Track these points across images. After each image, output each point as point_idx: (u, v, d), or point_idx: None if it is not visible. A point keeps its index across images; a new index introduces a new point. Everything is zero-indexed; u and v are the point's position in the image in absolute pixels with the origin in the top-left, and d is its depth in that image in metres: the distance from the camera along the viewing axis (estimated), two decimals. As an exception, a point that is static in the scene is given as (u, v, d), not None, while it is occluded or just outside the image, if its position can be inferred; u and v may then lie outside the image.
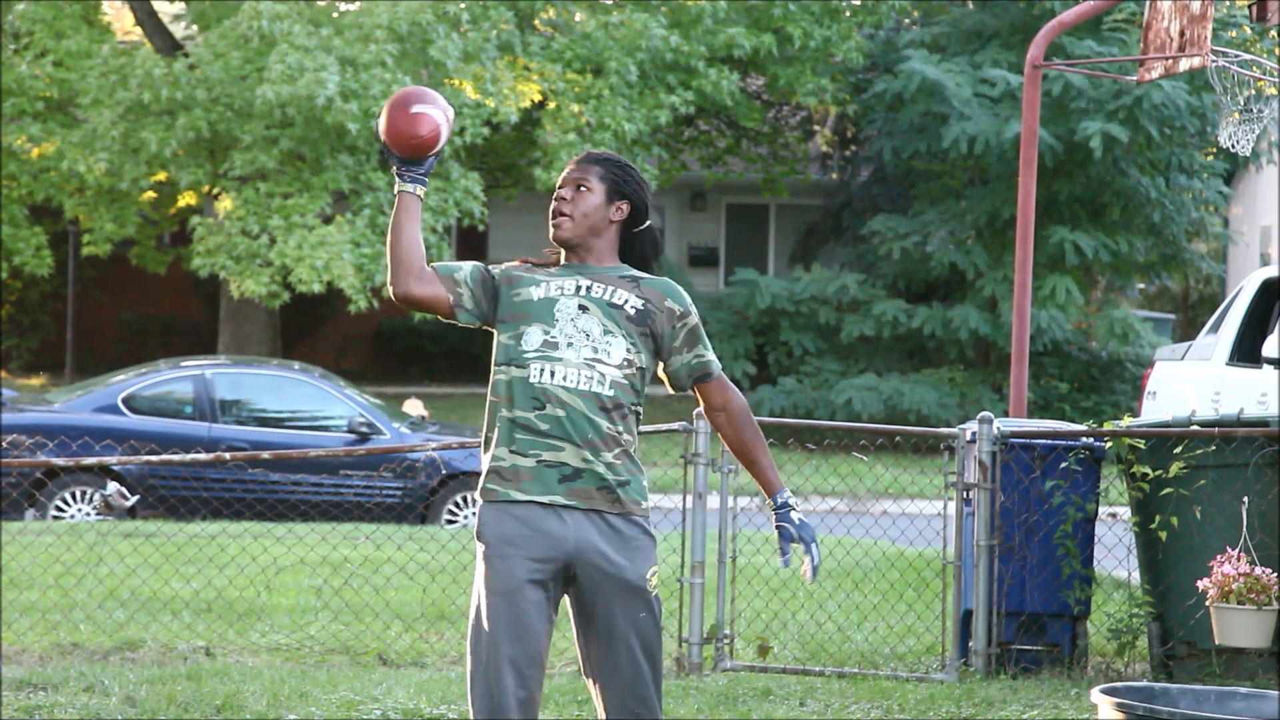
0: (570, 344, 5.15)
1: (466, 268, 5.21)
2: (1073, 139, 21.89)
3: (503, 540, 5.07)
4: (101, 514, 14.30)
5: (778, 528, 5.23)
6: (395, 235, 5.16)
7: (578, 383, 5.13)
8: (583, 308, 5.18)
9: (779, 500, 5.24)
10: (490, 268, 5.24)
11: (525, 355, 5.15)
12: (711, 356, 5.31)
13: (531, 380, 5.12)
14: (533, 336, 5.16)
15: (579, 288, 5.21)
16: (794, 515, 5.23)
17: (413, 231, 5.17)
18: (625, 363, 5.19)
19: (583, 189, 5.24)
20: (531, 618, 5.04)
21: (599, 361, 5.16)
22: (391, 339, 29.69)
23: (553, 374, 5.12)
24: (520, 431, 5.12)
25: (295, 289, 21.69)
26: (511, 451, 5.12)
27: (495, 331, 5.23)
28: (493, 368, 5.22)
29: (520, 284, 5.21)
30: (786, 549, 5.22)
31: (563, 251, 5.30)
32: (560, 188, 5.27)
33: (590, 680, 5.19)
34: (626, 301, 5.21)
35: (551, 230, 5.28)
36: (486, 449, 5.18)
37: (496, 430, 5.16)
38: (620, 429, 5.20)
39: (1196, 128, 22.28)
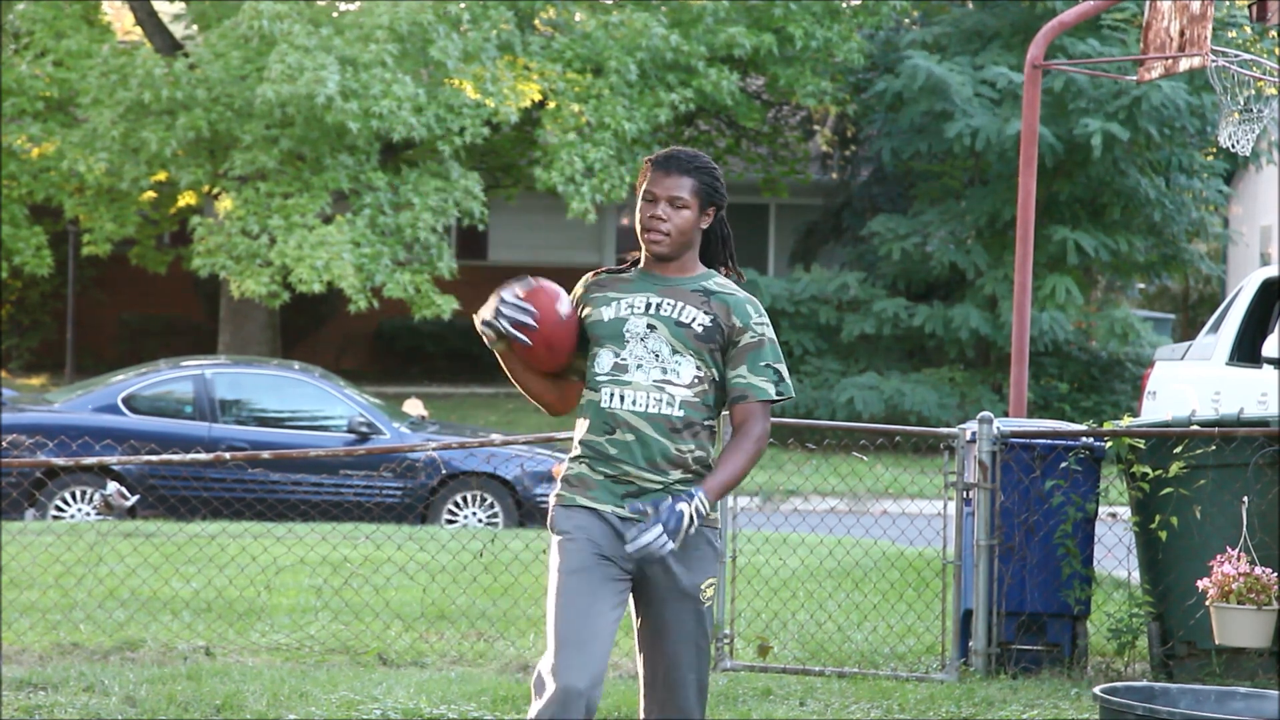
0: (640, 366, 5.19)
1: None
2: (1073, 138, 21.89)
3: (576, 527, 5.16)
4: (101, 514, 14.30)
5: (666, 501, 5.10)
6: (521, 386, 5.41)
7: (647, 406, 5.16)
8: (651, 326, 5.20)
9: (693, 490, 5.12)
10: (576, 301, 5.29)
11: (597, 379, 5.21)
12: (756, 381, 5.22)
13: (602, 405, 5.19)
14: (604, 359, 5.20)
15: (649, 305, 5.22)
16: (681, 504, 5.04)
17: (527, 377, 5.34)
18: (695, 380, 5.20)
19: (678, 205, 5.23)
20: (599, 596, 5.08)
21: (668, 383, 5.18)
22: (391, 339, 29.69)
23: (622, 399, 5.17)
24: (590, 451, 5.20)
25: (295, 289, 21.69)
26: (581, 463, 5.21)
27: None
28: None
29: (594, 304, 5.26)
30: (640, 509, 5.07)
31: (644, 255, 5.32)
32: (653, 201, 5.23)
33: (640, 685, 5.29)
34: (694, 319, 5.21)
35: (647, 245, 5.26)
36: (568, 455, 5.30)
37: (575, 441, 5.28)
38: (691, 447, 5.20)
39: (1196, 128, 22.28)
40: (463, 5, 22.18)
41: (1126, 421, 9.27)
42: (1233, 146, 11.37)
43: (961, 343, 23.17)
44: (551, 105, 22.73)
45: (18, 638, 9.44)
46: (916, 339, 23.99)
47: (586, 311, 5.26)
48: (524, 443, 12.05)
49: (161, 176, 22.79)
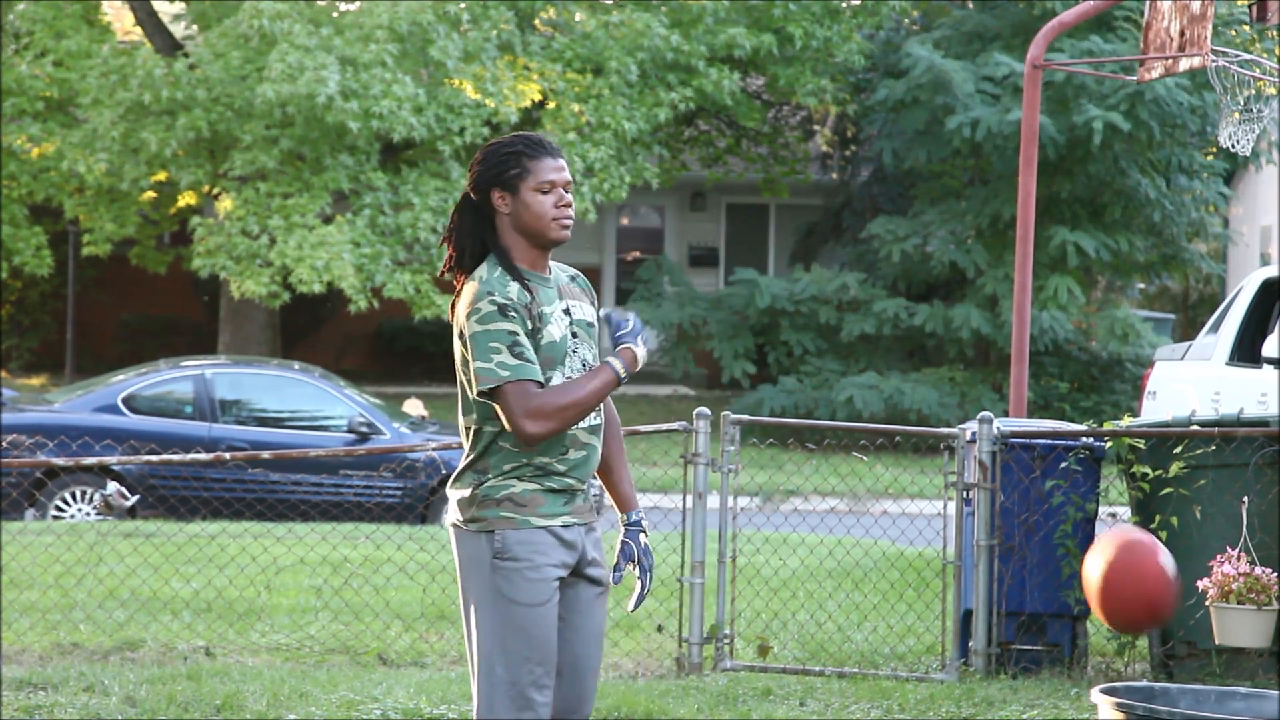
0: None
1: (533, 356, 4.98)
2: (1074, 132, 21.88)
3: (531, 551, 5.03)
4: (101, 514, 14.30)
5: (622, 543, 5.19)
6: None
7: (590, 419, 5.12)
8: (575, 335, 5.12)
9: (632, 517, 5.21)
10: (527, 322, 5.01)
11: None
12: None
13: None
14: (556, 380, 5.05)
15: (564, 312, 5.12)
16: (642, 538, 5.19)
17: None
18: None
19: (570, 188, 5.14)
20: (554, 630, 5.05)
21: None
22: (391, 339, 29.69)
23: None
24: (538, 470, 5.06)
25: (295, 289, 21.69)
26: (525, 481, 5.05)
27: None
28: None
29: (541, 322, 5.05)
30: (622, 566, 5.17)
31: (522, 251, 5.12)
32: (552, 189, 5.07)
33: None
34: (594, 318, 5.20)
35: (556, 233, 5.09)
36: (482, 480, 5.05)
37: (509, 465, 5.05)
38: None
39: (1197, 126, 22.28)
40: (463, 5, 22.18)
41: (1126, 421, 9.28)
42: (1233, 146, 11.37)
43: (961, 342, 23.17)
44: (551, 105, 22.74)
45: (18, 638, 9.44)
46: (916, 339, 24.00)
47: (540, 334, 5.03)
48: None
49: (161, 177, 22.78)
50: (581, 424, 5.06)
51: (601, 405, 5.15)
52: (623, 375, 5.01)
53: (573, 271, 5.27)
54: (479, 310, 4.95)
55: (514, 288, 5.00)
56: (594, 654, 5.14)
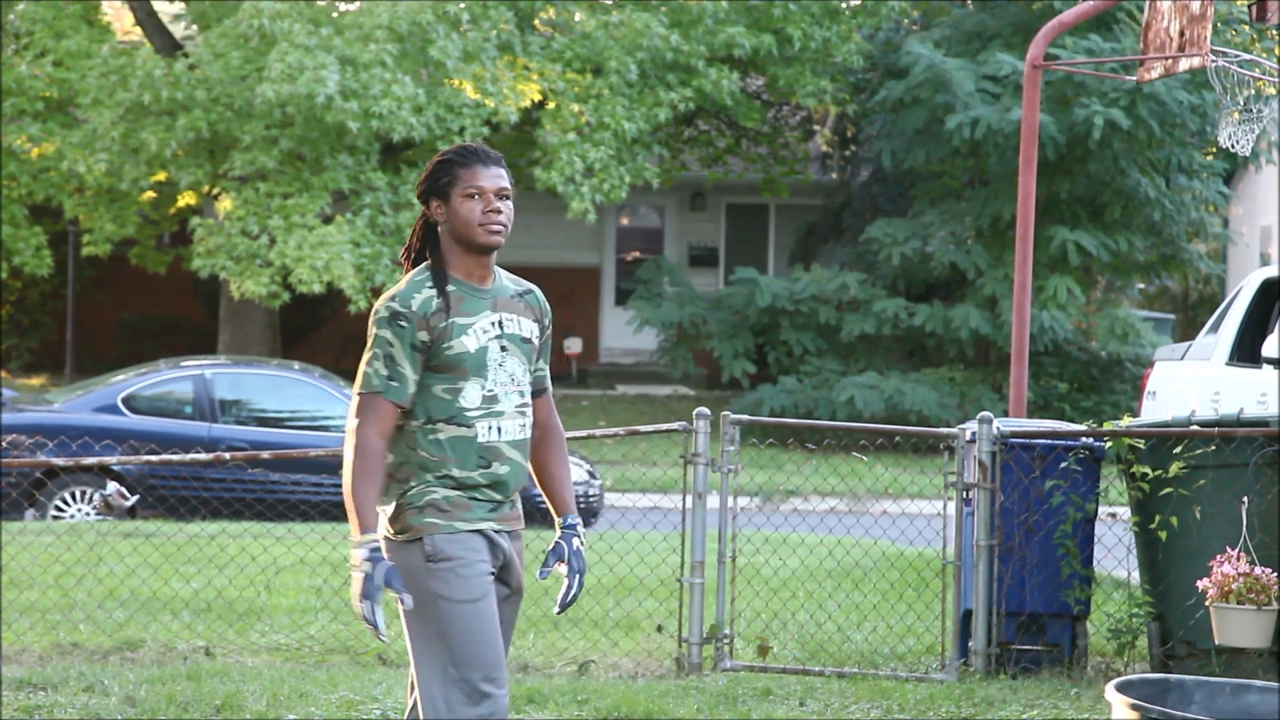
0: (505, 394, 5.15)
1: (407, 363, 5.03)
2: (1074, 130, 21.88)
3: (466, 550, 5.08)
4: (101, 514, 14.30)
5: (555, 543, 5.24)
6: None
7: (516, 434, 5.16)
8: (504, 349, 5.15)
9: (568, 520, 5.28)
10: (419, 334, 5.04)
11: (468, 414, 5.10)
12: (547, 370, 5.34)
13: (480, 440, 5.11)
14: (472, 393, 5.10)
15: (494, 324, 5.14)
16: (576, 541, 5.26)
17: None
18: (531, 396, 5.25)
19: (505, 196, 5.16)
20: (496, 623, 5.11)
21: (525, 405, 5.20)
22: (391, 339, 29.66)
23: (499, 430, 5.13)
24: (457, 483, 5.10)
25: (295, 289, 21.69)
26: (447, 488, 5.09)
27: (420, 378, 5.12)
28: (416, 419, 5.10)
29: (451, 334, 5.07)
30: (551, 564, 5.22)
31: (455, 260, 5.15)
32: (481, 195, 5.11)
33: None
34: (531, 333, 5.22)
35: (485, 240, 5.12)
36: (406, 489, 5.09)
37: (430, 474, 5.09)
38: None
39: (1197, 126, 22.28)
40: (462, 5, 22.18)
41: (1126, 421, 9.27)
42: (1233, 146, 11.37)
43: (961, 342, 23.17)
44: (551, 105, 22.74)
45: (18, 638, 9.44)
46: (916, 339, 24.00)
47: (446, 344, 5.06)
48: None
49: (161, 177, 22.78)
50: (506, 437, 5.11)
51: (546, 417, 5.29)
52: (354, 549, 4.99)
53: (526, 287, 5.30)
54: (377, 313, 5.07)
55: (420, 298, 5.07)
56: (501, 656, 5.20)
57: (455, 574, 5.06)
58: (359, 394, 5.06)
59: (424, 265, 5.16)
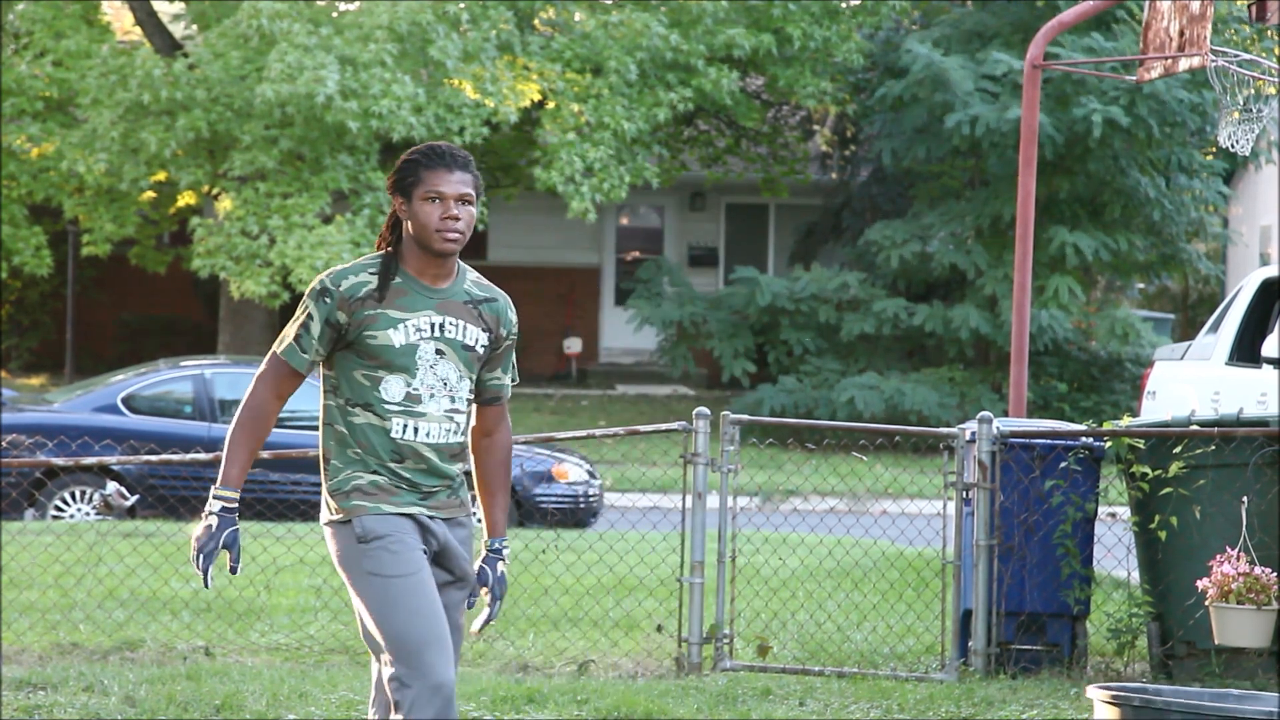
0: (432, 395, 5.12)
1: (315, 337, 5.07)
2: (1073, 129, 21.88)
3: (395, 530, 5.10)
4: (101, 514, 14.30)
5: (480, 568, 5.26)
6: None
7: (439, 436, 5.14)
8: (440, 352, 5.13)
9: (494, 544, 5.28)
10: (337, 313, 5.06)
11: (386, 407, 5.10)
12: (507, 380, 5.32)
13: (393, 435, 5.10)
14: (393, 387, 5.09)
15: (434, 327, 5.12)
16: (500, 566, 5.28)
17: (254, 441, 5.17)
18: (468, 401, 5.22)
19: (467, 202, 5.13)
20: (436, 597, 5.12)
21: (456, 411, 5.16)
22: (391, 339, 29.67)
23: (416, 430, 5.11)
24: (378, 466, 5.12)
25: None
26: (370, 473, 5.11)
27: (338, 357, 5.13)
28: (338, 397, 5.13)
29: (376, 324, 5.08)
30: (476, 591, 5.26)
31: (410, 255, 5.16)
32: (441, 199, 5.09)
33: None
34: (477, 341, 5.18)
35: (440, 245, 5.10)
36: (334, 474, 5.13)
37: (349, 463, 5.12)
38: (460, 467, 5.24)
39: (1196, 125, 22.28)
40: (462, 5, 22.18)
41: (1126, 421, 9.28)
42: (1232, 146, 11.36)
43: (961, 342, 23.17)
44: (551, 105, 22.74)
45: (18, 638, 9.44)
46: (916, 338, 24.00)
47: (369, 331, 5.07)
48: (524, 443, 12.06)
49: (161, 177, 22.78)
50: (426, 439, 5.11)
51: (493, 426, 5.28)
52: (211, 498, 5.13)
53: (489, 296, 5.25)
54: (313, 284, 5.13)
55: (353, 280, 5.09)
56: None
57: (386, 550, 5.09)
58: (268, 355, 5.15)
59: (383, 253, 5.18)
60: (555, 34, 23.95)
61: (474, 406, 5.28)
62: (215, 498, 5.11)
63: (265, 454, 9.67)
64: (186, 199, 25.09)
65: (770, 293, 23.90)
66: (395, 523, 5.11)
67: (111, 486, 14.27)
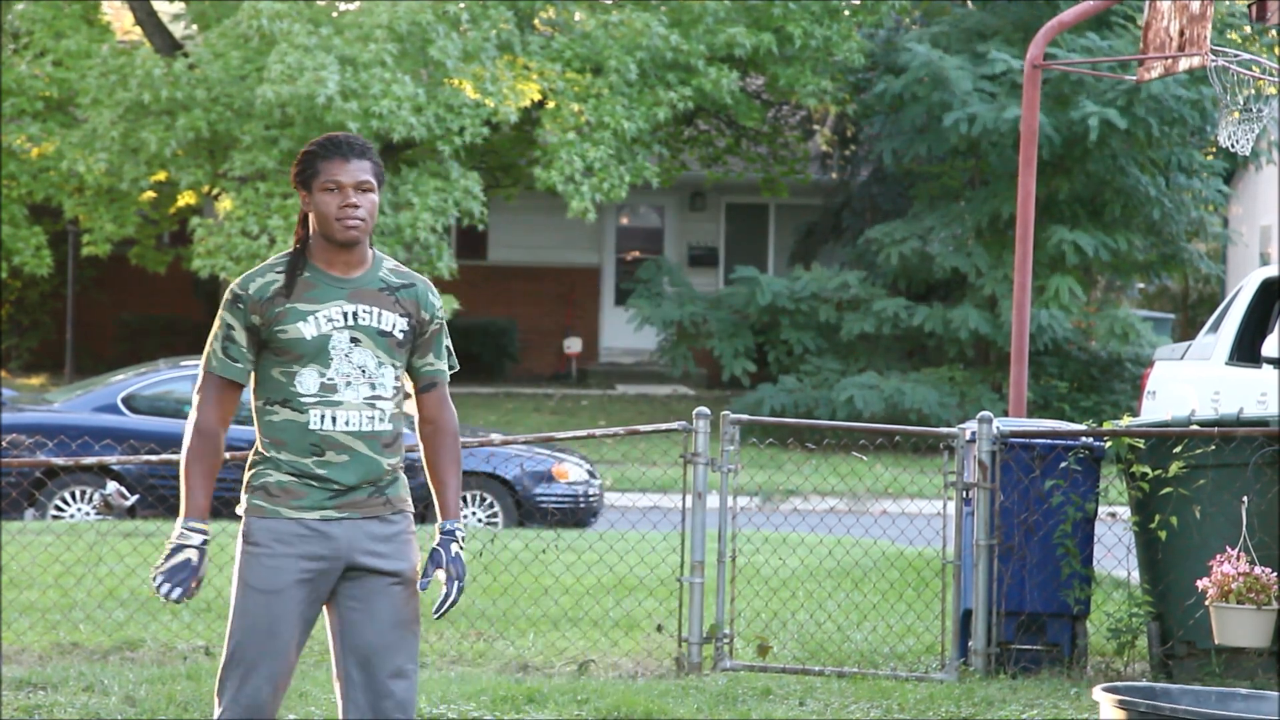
0: (349, 383, 5.09)
1: (243, 345, 5.07)
2: (1071, 129, 21.88)
3: (273, 538, 5.09)
4: (101, 514, 14.30)
5: (433, 550, 5.17)
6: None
7: (361, 425, 5.10)
8: (355, 340, 5.10)
9: (446, 526, 5.19)
10: (251, 317, 5.06)
11: (303, 400, 5.07)
12: (442, 366, 5.26)
13: (312, 427, 5.07)
14: (308, 379, 5.07)
15: (346, 316, 5.10)
16: (454, 546, 5.18)
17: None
18: (395, 390, 5.17)
19: (366, 190, 5.11)
20: (289, 619, 5.08)
21: (378, 398, 5.12)
22: (391, 339, 29.67)
23: (334, 420, 5.08)
24: (294, 469, 5.10)
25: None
26: (280, 473, 5.10)
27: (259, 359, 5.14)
28: (258, 399, 5.13)
29: (286, 319, 5.06)
30: (430, 572, 5.17)
31: (316, 248, 5.16)
32: (339, 189, 5.08)
33: (339, 687, 5.21)
34: (395, 326, 5.14)
35: (342, 235, 5.09)
36: (251, 467, 5.14)
37: (263, 461, 5.13)
38: (396, 459, 5.20)
39: (1196, 122, 22.27)
40: (462, 5, 22.18)
41: (1126, 421, 9.28)
42: (1232, 146, 11.37)
43: (961, 342, 23.17)
44: (551, 105, 22.74)
45: (18, 638, 9.44)
46: (916, 338, 24.00)
47: (279, 328, 5.05)
48: (524, 442, 12.07)
49: (161, 177, 22.78)
50: (345, 428, 5.08)
51: (435, 413, 5.24)
52: (177, 530, 5.17)
53: (406, 282, 5.22)
54: (226, 294, 5.13)
55: (260, 282, 5.09)
56: (388, 645, 5.14)
57: (259, 561, 5.10)
58: (201, 374, 5.12)
59: (292, 249, 5.19)
60: (555, 34, 23.95)
61: (415, 396, 5.25)
62: (191, 530, 5.13)
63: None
64: (186, 199, 25.09)
65: (770, 292, 23.90)
66: (281, 531, 5.09)
67: (111, 486, 14.27)
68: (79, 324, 28.23)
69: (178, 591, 5.13)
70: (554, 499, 15.27)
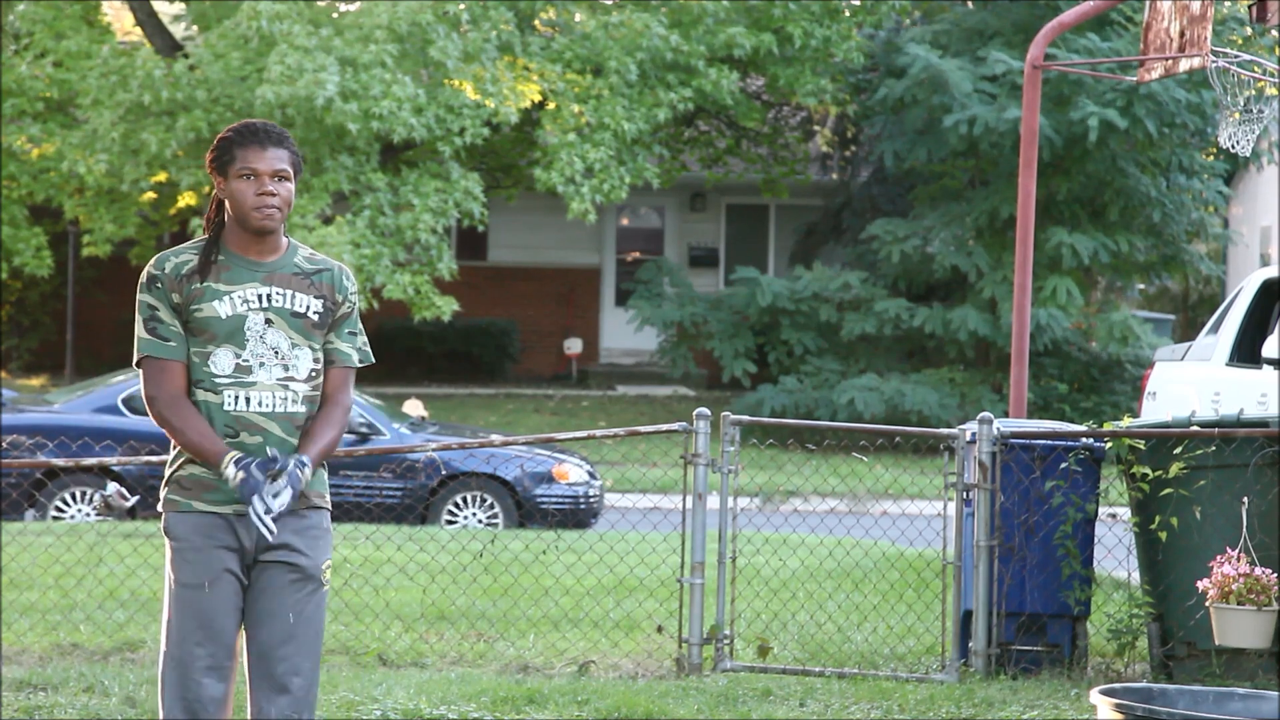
0: (262, 364, 5.11)
1: (169, 322, 5.06)
2: (1071, 130, 21.89)
3: (193, 532, 5.10)
4: (101, 514, 14.30)
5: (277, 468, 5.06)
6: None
7: (273, 406, 5.11)
8: (269, 321, 5.12)
9: (301, 456, 5.11)
10: (171, 295, 5.07)
11: (217, 380, 5.09)
12: (346, 348, 5.25)
13: (226, 408, 5.09)
14: (223, 360, 5.09)
15: (261, 298, 5.12)
16: (292, 462, 5.06)
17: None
18: (312, 374, 5.19)
19: (283, 178, 5.14)
20: (223, 611, 5.09)
21: (291, 380, 5.13)
22: (391, 339, 29.68)
23: (248, 400, 5.09)
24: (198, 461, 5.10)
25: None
26: (195, 465, 5.11)
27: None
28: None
29: (202, 298, 5.08)
30: (262, 470, 5.04)
31: (230, 235, 5.17)
32: (255, 176, 5.10)
33: (249, 680, 5.17)
34: (309, 308, 5.17)
35: (258, 222, 5.12)
36: (174, 455, 5.13)
37: (181, 453, 5.13)
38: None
39: (1196, 125, 22.28)
40: (462, 5, 22.19)
41: (1126, 422, 9.28)
42: (1233, 147, 11.37)
43: (961, 343, 23.17)
44: (551, 105, 22.74)
45: (18, 638, 9.44)
46: (916, 339, 24.00)
47: (195, 306, 5.07)
48: (524, 443, 12.06)
49: (161, 177, 22.79)
50: (259, 408, 5.09)
51: (332, 390, 5.21)
52: (225, 471, 5.00)
53: (322, 266, 5.25)
54: (141, 279, 5.12)
55: (175, 261, 5.11)
56: (286, 639, 5.12)
57: (182, 556, 5.11)
58: (139, 363, 5.10)
59: (206, 235, 5.20)
60: (555, 34, 23.95)
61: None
62: (227, 465, 5.00)
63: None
64: (187, 199, 25.08)
65: (771, 293, 23.90)
66: (198, 525, 5.09)
67: (112, 487, 14.27)
68: (79, 325, 28.23)
69: (258, 502, 4.98)
70: (554, 500, 15.27)
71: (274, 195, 5.11)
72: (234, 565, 5.11)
